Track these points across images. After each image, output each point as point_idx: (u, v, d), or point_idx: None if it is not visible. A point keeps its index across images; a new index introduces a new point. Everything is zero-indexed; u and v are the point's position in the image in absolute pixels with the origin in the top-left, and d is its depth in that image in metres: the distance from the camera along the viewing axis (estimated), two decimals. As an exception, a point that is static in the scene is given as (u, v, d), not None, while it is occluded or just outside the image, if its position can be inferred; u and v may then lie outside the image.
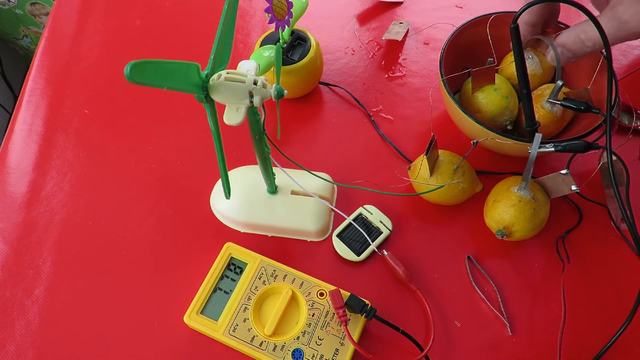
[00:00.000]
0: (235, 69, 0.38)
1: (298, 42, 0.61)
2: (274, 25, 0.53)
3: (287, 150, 0.61)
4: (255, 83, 0.36)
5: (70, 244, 0.54)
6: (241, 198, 0.55)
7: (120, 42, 0.72)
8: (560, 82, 0.53)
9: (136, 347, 0.48)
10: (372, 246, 0.53)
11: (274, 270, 0.51)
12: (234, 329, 0.47)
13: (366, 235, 0.53)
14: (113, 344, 0.48)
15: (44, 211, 0.56)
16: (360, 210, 0.56)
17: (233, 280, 0.50)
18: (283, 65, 0.59)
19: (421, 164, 0.53)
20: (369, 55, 0.71)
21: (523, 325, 0.50)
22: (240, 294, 0.49)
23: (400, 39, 0.69)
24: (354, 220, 0.55)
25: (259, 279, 0.50)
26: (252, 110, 0.40)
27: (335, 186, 0.58)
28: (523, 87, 0.50)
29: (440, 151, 0.54)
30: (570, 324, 0.50)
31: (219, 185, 0.57)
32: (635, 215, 0.57)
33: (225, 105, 0.37)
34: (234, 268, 0.51)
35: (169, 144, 0.62)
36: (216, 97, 0.36)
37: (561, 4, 0.46)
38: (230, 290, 0.50)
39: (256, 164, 0.50)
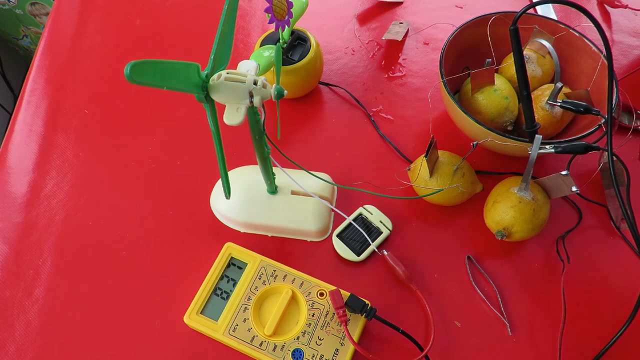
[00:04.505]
0: (235, 69, 0.38)
1: (298, 42, 0.61)
2: (274, 25, 0.53)
3: (287, 150, 0.61)
4: (255, 83, 0.36)
5: (70, 244, 0.54)
6: (241, 198, 0.55)
7: (120, 42, 0.72)
8: (559, 85, 0.53)
9: (136, 347, 0.48)
10: (372, 246, 0.53)
11: (274, 270, 0.51)
12: (234, 329, 0.47)
13: (366, 235, 0.53)
14: (113, 344, 0.48)
15: (44, 211, 0.56)
16: (360, 210, 0.56)
17: (233, 280, 0.50)
18: (283, 65, 0.59)
19: (421, 165, 0.53)
20: (369, 55, 0.71)
21: (523, 325, 0.50)
22: (240, 294, 0.49)
23: (400, 39, 0.69)
24: (354, 220, 0.55)
25: (259, 279, 0.50)
26: (252, 110, 0.40)
27: (335, 186, 0.58)
28: (523, 89, 0.50)
29: (440, 152, 0.54)
30: (570, 324, 0.50)
31: (219, 185, 0.57)
32: (635, 215, 0.57)
33: (225, 105, 0.37)
34: (234, 268, 0.51)
35: (169, 144, 0.62)
36: (216, 97, 0.36)
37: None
38: (230, 290, 0.50)
39: (256, 164, 0.50)
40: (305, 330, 0.47)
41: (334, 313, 0.49)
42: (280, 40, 0.60)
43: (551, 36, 0.58)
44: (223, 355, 0.48)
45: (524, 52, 0.58)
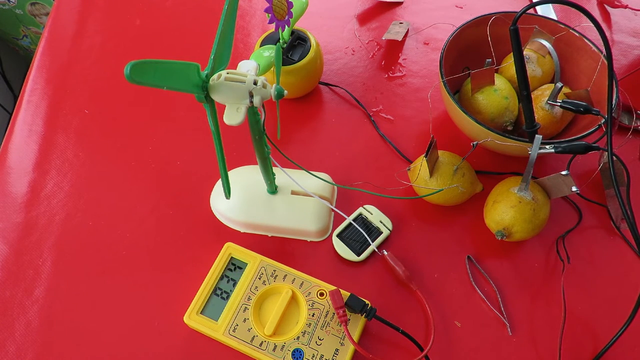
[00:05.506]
0: (235, 69, 0.38)
1: (298, 42, 0.61)
2: (274, 25, 0.53)
3: (287, 150, 0.61)
4: (255, 83, 0.36)
5: (70, 244, 0.54)
6: (241, 198, 0.55)
7: (120, 42, 0.72)
8: (559, 84, 0.53)
9: (136, 347, 0.48)
10: (372, 246, 0.53)
11: (274, 270, 0.51)
12: (234, 329, 0.47)
13: (366, 235, 0.53)
14: (113, 344, 0.48)
15: (44, 211, 0.56)
16: (360, 210, 0.56)
17: (233, 280, 0.50)
18: (283, 65, 0.59)
19: (421, 165, 0.53)
20: (369, 55, 0.71)
21: (523, 325, 0.50)
22: (240, 294, 0.49)
23: (400, 39, 0.69)
24: (354, 220, 0.55)
25: (259, 279, 0.50)
26: (252, 110, 0.40)
27: (335, 186, 0.58)
28: (523, 89, 0.50)
29: (440, 152, 0.54)
30: (570, 324, 0.50)
31: (219, 185, 0.57)
32: (635, 215, 0.57)
33: (225, 105, 0.37)
34: (234, 268, 0.51)
35: (169, 144, 0.62)
36: (216, 97, 0.36)
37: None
38: (230, 290, 0.50)
39: (256, 164, 0.50)
40: (305, 330, 0.47)
41: (334, 313, 0.49)
42: (280, 40, 0.60)
43: (551, 36, 0.58)
44: (223, 355, 0.48)
45: (524, 52, 0.58)
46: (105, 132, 0.63)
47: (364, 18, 0.75)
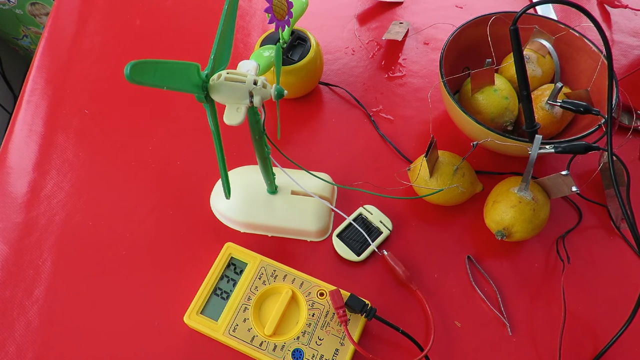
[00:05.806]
0: (235, 69, 0.38)
1: (298, 42, 0.61)
2: (274, 25, 0.53)
3: (287, 150, 0.61)
4: (255, 83, 0.36)
5: (70, 244, 0.54)
6: (241, 198, 0.55)
7: (120, 42, 0.72)
8: (559, 84, 0.53)
9: (136, 347, 0.48)
10: (372, 246, 0.53)
11: (274, 270, 0.51)
12: (234, 329, 0.47)
13: (366, 235, 0.53)
14: (113, 344, 0.48)
15: (44, 211, 0.56)
16: (360, 210, 0.56)
17: (233, 280, 0.50)
18: (283, 65, 0.59)
19: (421, 165, 0.53)
20: (369, 55, 0.71)
21: (523, 325, 0.50)
22: (240, 294, 0.49)
23: (400, 39, 0.69)
24: (354, 220, 0.55)
25: (259, 279, 0.50)
26: (252, 110, 0.40)
27: (335, 186, 0.58)
28: (523, 89, 0.50)
29: (440, 152, 0.54)
30: (570, 324, 0.50)
31: (219, 185, 0.57)
32: (635, 215, 0.57)
33: (225, 105, 0.37)
34: (234, 268, 0.51)
35: (169, 144, 0.62)
36: (216, 97, 0.36)
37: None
38: (230, 290, 0.50)
39: (256, 164, 0.50)
40: (305, 330, 0.47)
41: (334, 313, 0.49)
42: (280, 40, 0.60)
43: (551, 36, 0.58)
44: (223, 355, 0.48)
45: (524, 52, 0.58)
46: (105, 132, 0.63)
47: (364, 18, 0.75)
